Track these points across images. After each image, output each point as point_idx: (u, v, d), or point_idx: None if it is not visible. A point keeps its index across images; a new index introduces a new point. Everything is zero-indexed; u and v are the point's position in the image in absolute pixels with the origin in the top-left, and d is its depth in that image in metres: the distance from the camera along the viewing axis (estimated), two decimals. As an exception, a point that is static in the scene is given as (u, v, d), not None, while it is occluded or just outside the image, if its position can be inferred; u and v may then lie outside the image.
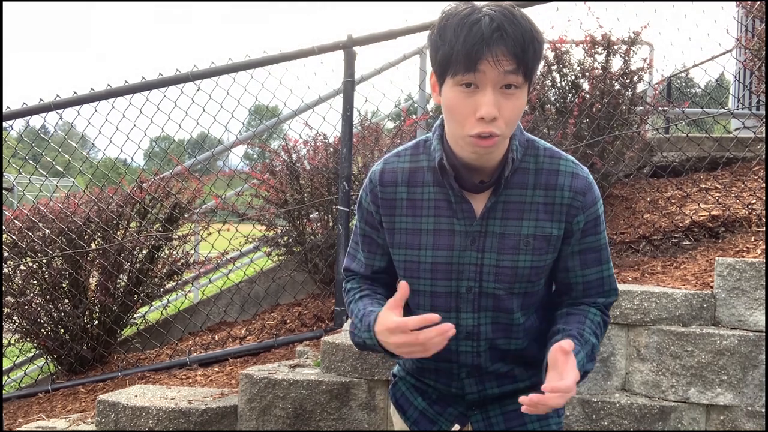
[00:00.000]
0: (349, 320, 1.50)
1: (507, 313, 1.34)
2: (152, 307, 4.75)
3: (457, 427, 1.43)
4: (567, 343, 1.18)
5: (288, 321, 3.71)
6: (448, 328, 1.17)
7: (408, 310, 1.41)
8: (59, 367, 3.94)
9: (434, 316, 1.18)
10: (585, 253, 1.35)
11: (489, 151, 1.24)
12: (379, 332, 1.25)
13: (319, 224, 4.00)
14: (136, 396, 2.75)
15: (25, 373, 4.35)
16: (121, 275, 3.89)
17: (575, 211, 1.31)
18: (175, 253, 4.12)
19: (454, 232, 1.33)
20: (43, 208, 3.93)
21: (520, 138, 1.33)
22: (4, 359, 4.28)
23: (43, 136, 4.69)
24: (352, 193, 3.29)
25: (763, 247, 2.81)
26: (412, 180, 1.37)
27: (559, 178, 1.31)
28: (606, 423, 2.32)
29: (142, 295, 3.98)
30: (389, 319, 1.22)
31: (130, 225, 4.02)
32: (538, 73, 3.98)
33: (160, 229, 3.96)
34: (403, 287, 1.24)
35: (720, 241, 3.10)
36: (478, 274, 1.32)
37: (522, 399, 1.16)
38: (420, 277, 1.36)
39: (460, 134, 1.24)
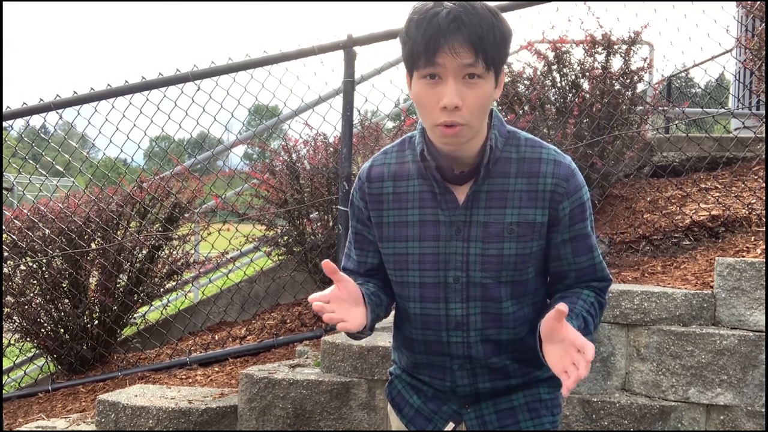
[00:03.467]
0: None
1: (495, 302, 1.35)
2: (152, 307, 4.74)
3: (451, 425, 1.43)
4: (561, 305, 1.14)
5: (288, 321, 3.71)
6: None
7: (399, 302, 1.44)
8: (59, 367, 3.93)
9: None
10: (576, 241, 1.36)
11: (456, 140, 1.26)
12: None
13: (319, 224, 4.00)
14: (136, 396, 2.75)
15: (25, 372, 4.35)
16: (121, 275, 3.89)
17: (559, 197, 1.32)
18: (175, 252, 4.12)
19: (439, 223, 1.35)
20: (43, 208, 3.93)
21: (500, 128, 1.35)
22: (4, 359, 4.28)
23: (43, 136, 4.69)
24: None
25: (763, 247, 2.81)
26: (398, 174, 1.40)
27: (542, 166, 1.33)
28: (606, 423, 2.32)
29: (142, 294, 3.98)
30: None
31: (130, 225, 4.02)
32: (538, 73, 3.98)
33: (160, 228, 3.97)
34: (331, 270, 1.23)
35: (720, 241, 3.10)
36: (464, 263, 1.34)
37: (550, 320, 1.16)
38: (408, 269, 1.38)
39: (428, 125, 1.28)
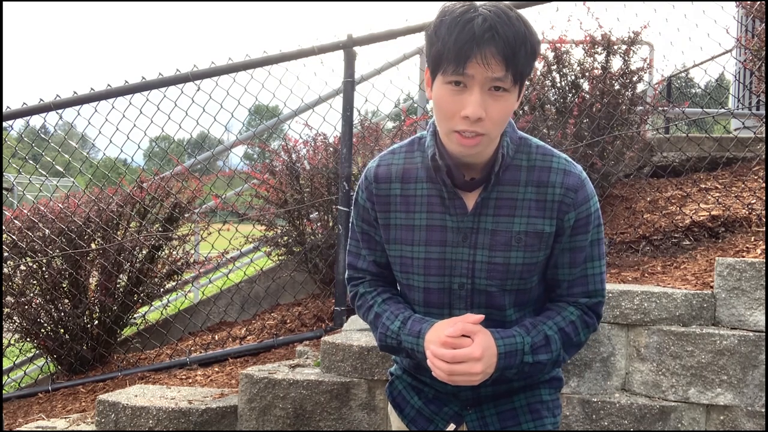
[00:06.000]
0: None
1: (499, 309, 1.35)
2: (152, 307, 4.75)
3: (452, 426, 1.43)
4: (470, 318, 1.25)
5: (288, 321, 3.71)
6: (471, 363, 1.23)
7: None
8: (59, 367, 3.94)
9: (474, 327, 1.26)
10: (575, 252, 1.35)
11: (473, 150, 1.25)
12: (430, 341, 1.28)
13: (319, 224, 4.00)
14: (136, 396, 2.75)
15: (25, 373, 4.36)
16: (121, 275, 3.89)
17: (566, 208, 1.31)
18: (175, 253, 4.12)
19: (446, 228, 1.34)
20: (43, 208, 3.93)
21: (512, 135, 1.34)
22: (4, 359, 4.28)
23: (43, 136, 4.69)
24: (352, 193, 3.30)
25: (763, 247, 2.81)
26: (406, 176, 1.38)
27: (551, 175, 1.32)
28: (606, 423, 2.32)
29: (142, 295, 3.98)
30: (443, 333, 1.25)
31: (130, 225, 4.02)
32: (538, 73, 3.98)
33: (160, 229, 3.97)
34: (475, 319, 1.26)
35: (720, 241, 3.10)
36: (470, 270, 1.33)
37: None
38: (413, 273, 1.37)
39: (446, 130, 1.26)
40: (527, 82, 4.23)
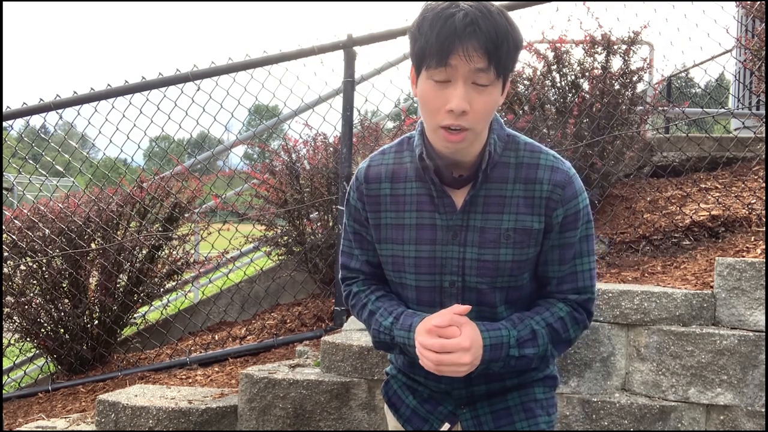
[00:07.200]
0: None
1: (490, 307, 1.35)
2: (152, 307, 4.75)
3: (447, 426, 1.43)
4: (457, 309, 1.26)
5: (288, 321, 3.71)
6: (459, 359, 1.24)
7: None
8: (59, 367, 3.94)
9: (460, 313, 1.26)
10: (564, 248, 1.35)
11: (459, 145, 1.25)
12: (419, 332, 1.28)
13: (319, 224, 4.00)
14: (136, 396, 2.75)
15: (25, 372, 4.36)
16: (121, 275, 3.89)
17: (554, 205, 1.31)
18: (175, 252, 4.12)
19: (436, 227, 1.34)
20: (43, 208, 3.93)
21: (499, 132, 1.34)
22: (4, 359, 4.28)
23: (43, 136, 4.69)
24: (352, 193, 3.30)
25: (763, 246, 2.81)
26: (396, 176, 1.39)
27: (539, 172, 1.32)
28: (606, 423, 2.32)
29: (142, 294, 3.98)
30: (431, 322, 1.26)
31: (130, 225, 4.02)
32: (538, 73, 3.98)
33: (160, 228, 3.97)
34: (462, 309, 1.26)
35: (720, 240, 3.10)
36: (460, 268, 1.33)
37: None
38: (405, 272, 1.38)
39: (431, 126, 1.26)
40: (527, 82, 4.22)
